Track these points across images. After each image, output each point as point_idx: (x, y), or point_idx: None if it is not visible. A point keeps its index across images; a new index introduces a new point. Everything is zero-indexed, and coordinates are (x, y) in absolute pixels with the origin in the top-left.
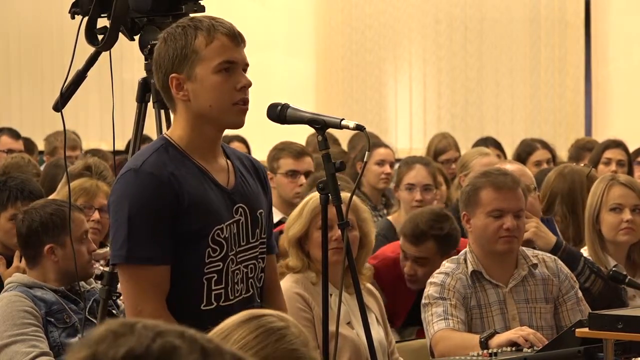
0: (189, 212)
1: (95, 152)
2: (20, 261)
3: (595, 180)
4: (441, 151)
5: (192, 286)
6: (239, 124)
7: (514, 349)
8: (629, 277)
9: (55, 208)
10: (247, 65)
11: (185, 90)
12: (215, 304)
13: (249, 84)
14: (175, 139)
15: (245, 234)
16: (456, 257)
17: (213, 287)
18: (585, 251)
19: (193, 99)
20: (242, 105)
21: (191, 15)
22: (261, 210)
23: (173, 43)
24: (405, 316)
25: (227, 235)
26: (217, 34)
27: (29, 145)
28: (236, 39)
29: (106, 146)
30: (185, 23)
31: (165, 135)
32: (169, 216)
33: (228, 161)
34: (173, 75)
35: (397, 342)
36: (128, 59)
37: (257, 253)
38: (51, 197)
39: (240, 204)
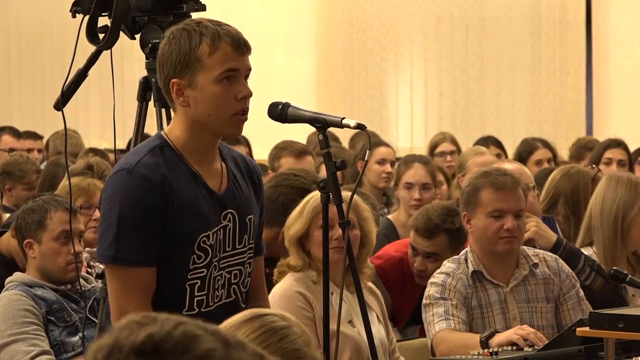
0: (178, 217)
1: (95, 152)
2: None
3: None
4: (436, 145)
5: (174, 291)
6: (237, 134)
7: (514, 348)
8: (629, 276)
9: (38, 205)
10: (249, 71)
11: (186, 97)
12: (197, 309)
13: (250, 94)
14: (173, 139)
15: (231, 240)
16: (457, 257)
17: (195, 293)
18: (586, 251)
19: (192, 106)
20: (241, 115)
21: (200, 17)
22: (251, 216)
23: (177, 47)
24: (409, 315)
25: (212, 243)
26: (221, 43)
27: (34, 137)
28: (240, 47)
29: (107, 145)
30: (191, 27)
31: (163, 133)
32: (159, 219)
33: (223, 164)
34: (174, 80)
35: (398, 340)
36: (129, 57)
37: (245, 259)
38: None
39: (230, 210)
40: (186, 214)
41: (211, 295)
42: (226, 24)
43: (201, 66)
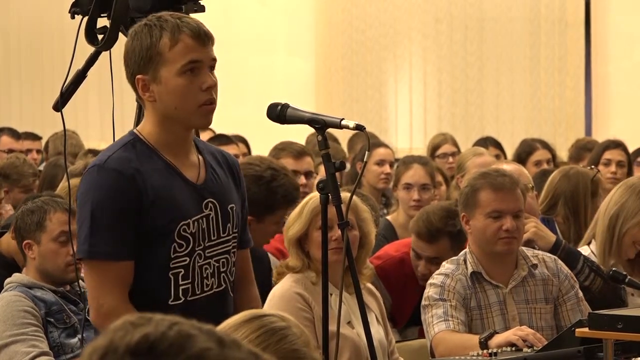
0: (154, 208)
1: (94, 153)
2: None
3: (601, 183)
4: (437, 146)
5: (158, 281)
6: (206, 125)
7: (513, 348)
8: (628, 277)
9: (38, 205)
10: (214, 61)
11: (151, 92)
12: (182, 298)
13: (215, 84)
14: (145, 135)
15: (215, 228)
16: (455, 258)
17: (180, 282)
18: (582, 251)
19: (159, 101)
20: (208, 105)
21: (162, 12)
22: (232, 205)
23: (139, 43)
24: (409, 316)
25: (194, 231)
26: (181, 35)
27: (33, 138)
28: (201, 38)
29: (106, 145)
30: (152, 22)
31: (135, 130)
32: (132, 212)
33: (200, 156)
34: (139, 76)
35: (398, 341)
36: None
37: (230, 247)
38: None
39: (210, 199)
40: (162, 204)
41: (197, 284)
42: (187, 17)
43: (163, 60)
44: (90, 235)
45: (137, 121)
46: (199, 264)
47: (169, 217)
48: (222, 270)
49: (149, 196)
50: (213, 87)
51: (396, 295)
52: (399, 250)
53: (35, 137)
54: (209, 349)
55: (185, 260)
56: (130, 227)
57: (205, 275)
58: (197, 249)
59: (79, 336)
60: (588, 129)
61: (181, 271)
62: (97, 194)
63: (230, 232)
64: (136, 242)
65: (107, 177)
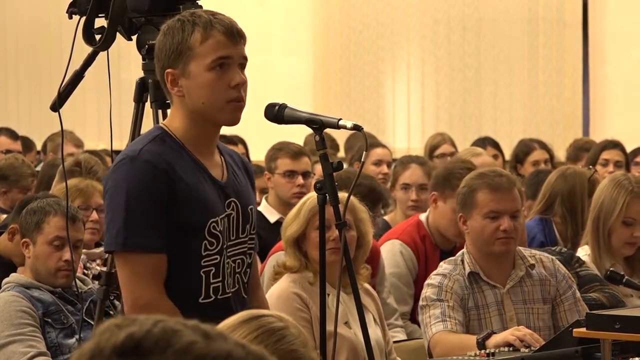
0: (185, 204)
1: (91, 154)
2: None
3: (597, 183)
4: (435, 146)
5: (190, 279)
6: (234, 122)
7: (511, 349)
8: (626, 277)
9: (41, 206)
10: (245, 59)
11: (180, 86)
12: (213, 297)
13: (244, 82)
14: (173, 130)
15: (235, 228)
16: (453, 258)
17: (211, 280)
18: (582, 250)
19: (187, 96)
20: (236, 102)
21: (196, 9)
22: (251, 206)
23: (170, 37)
24: None
25: (221, 229)
26: (213, 31)
27: (27, 144)
28: (233, 36)
29: (104, 146)
30: (185, 17)
31: (162, 125)
32: (166, 205)
33: (221, 157)
34: (168, 70)
35: (401, 341)
36: (125, 59)
37: (246, 248)
38: None
39: (233, 199)
40: (193, 200)
41: (227, 283)
42: (221, 14)
43: (194, 54)
44: (124, 228)
45: (135, 122)
46: (225, 262)
47: (200, 213)
48: (237, 270)
49: (180, 190)
50: (242, 84)
51: (421, 258)
52: (406, 223)
53: (28, 146)
54: (195, 342)
55: (216, 258)
56: (164, 220)
57: (226, 274)
58: (224, 247)
59: (77, 337)
60: (586, 130)
61: (212, 269)
62: (131, 185)
63: (248, 233)
64: (169, 236)
65: (141, 168)
